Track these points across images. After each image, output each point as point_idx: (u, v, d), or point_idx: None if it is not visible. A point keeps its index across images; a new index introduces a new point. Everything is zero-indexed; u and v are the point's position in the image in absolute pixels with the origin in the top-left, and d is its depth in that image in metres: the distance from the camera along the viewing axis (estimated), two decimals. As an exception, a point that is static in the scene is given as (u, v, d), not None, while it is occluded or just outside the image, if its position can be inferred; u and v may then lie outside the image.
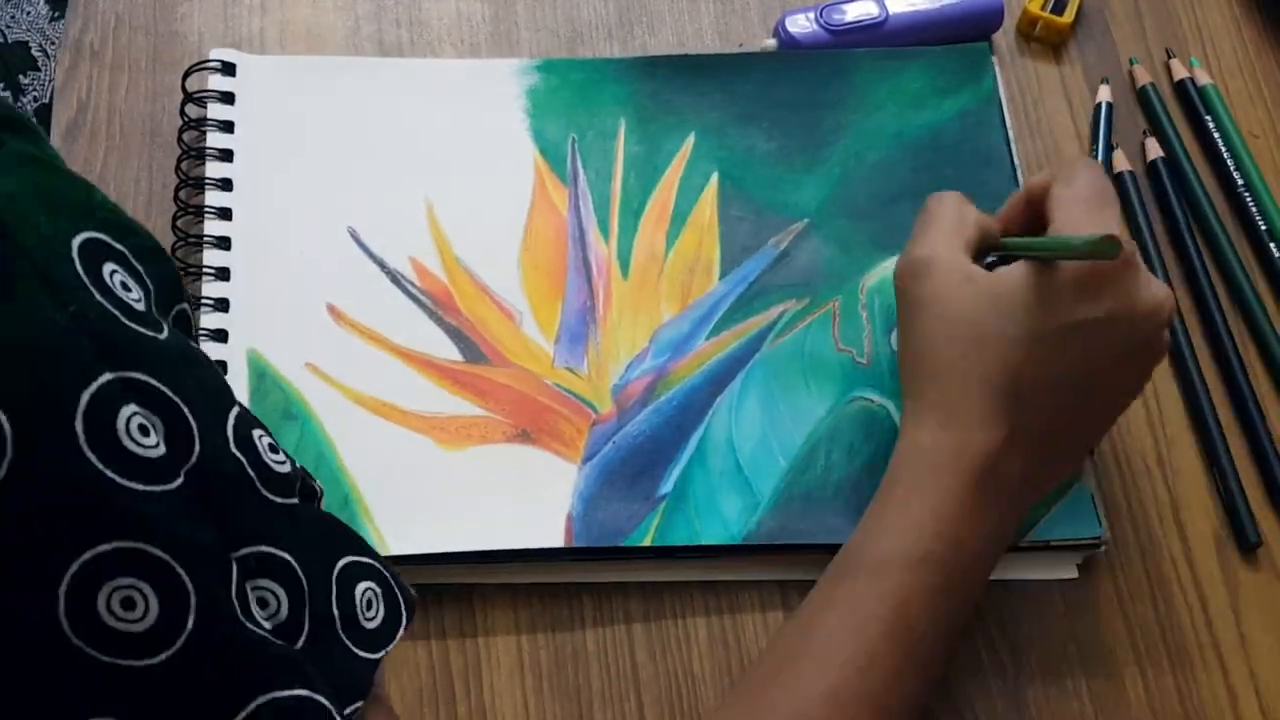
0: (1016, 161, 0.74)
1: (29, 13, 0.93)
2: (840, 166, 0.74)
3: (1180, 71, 0.80)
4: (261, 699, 0.39)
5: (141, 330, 0.39)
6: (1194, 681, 0.65)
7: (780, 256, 0.72)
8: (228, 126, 0.72)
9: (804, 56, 0.77)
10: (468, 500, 0.64)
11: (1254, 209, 0.76)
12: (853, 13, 0.78)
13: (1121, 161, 0.77)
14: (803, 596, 0.64)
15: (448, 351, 0.68)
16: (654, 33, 0.79)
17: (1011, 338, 0.59)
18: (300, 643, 0.42)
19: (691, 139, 0.74)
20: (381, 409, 0.66)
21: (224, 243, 0.69)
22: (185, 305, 0.44)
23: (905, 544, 0.58)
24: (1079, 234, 0.59)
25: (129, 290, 0.40)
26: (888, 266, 0.71)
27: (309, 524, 0.44)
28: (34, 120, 0.43)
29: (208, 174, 0.70)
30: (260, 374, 0.66)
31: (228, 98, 0.72)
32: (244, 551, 0.40)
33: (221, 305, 0.67)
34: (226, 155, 0.71)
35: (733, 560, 0.65)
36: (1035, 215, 0.63)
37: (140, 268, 0.41)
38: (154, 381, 0.38)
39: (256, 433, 0.43)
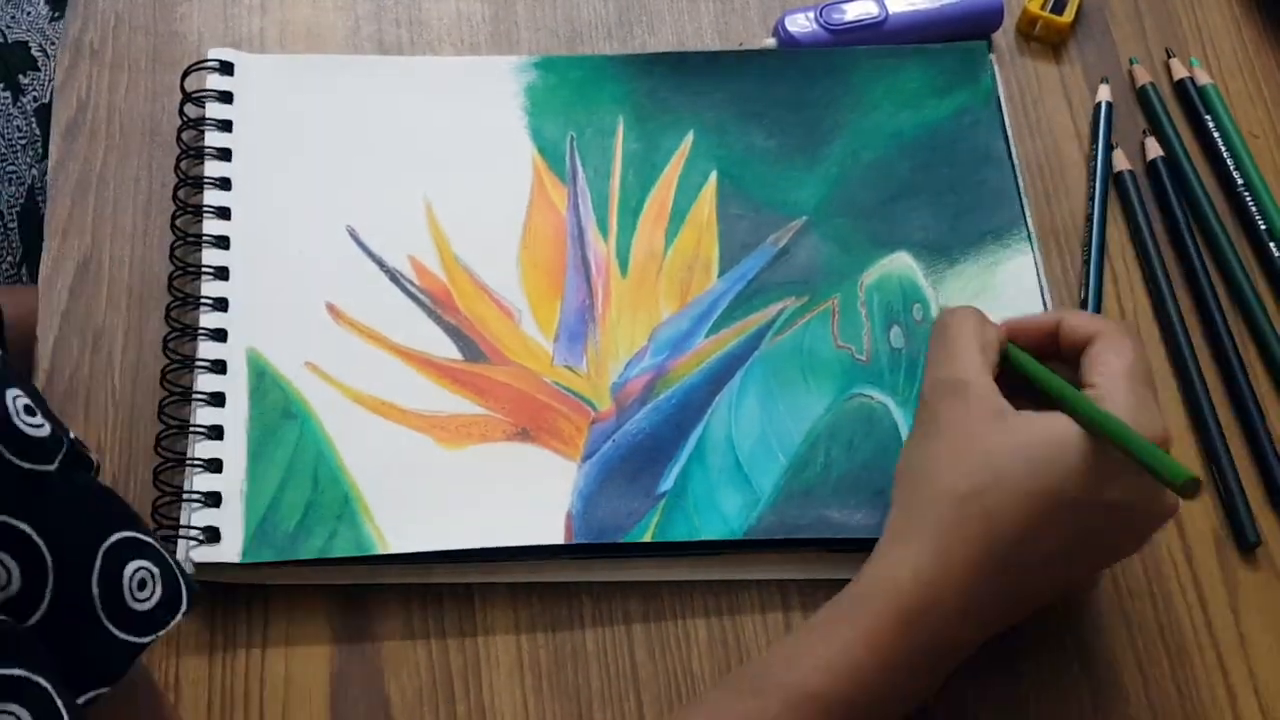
0: (1015, 161, 0.74)
1: (29, 13, 0.93)
2: (839, 165, 0.74)
3: (1180, 71, 0.80)
4: None
5: None
6: (1194, 681, 0.65)
7: (779, 254, 0.72)
8: (226, 126, 0.72)
9: (803, 55, 0.77)
10: (467, 499, 0.64)
11: (1254, 209, 0.76)
12: (852, 12, 0.78)
13: (1121, 161, 0.77)
14: (802, 596, 0.64)
15: (447, 350, 0.68)
16: (654, 32, 0.79)
17: (1026, 492, 0.56)
18: (35, 619, 0.40)
19: (690, 137, 0.74)
20: (381, 408, 0.66)
21: (223, 242, 0.69)
22: None
23: (813, 675, 0.56)
24: (1116, 408, 0.56)
25: None
26: (886, 264, 0.71)
27: (69, 494, 0.42)
28: None
29: (206, 173, 0.70)
30: (259, 373, 0.66)
31: (226, 97, 0.72)
32: None
33: (220, 304, 0.67)
34: (225, 154, 0.71)
35: (733, 557, 0.65)
36: (1052, 352, 0.62)
37: None
38: None
39: (11, 392, 0.40)
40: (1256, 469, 0.69)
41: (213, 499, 0.63)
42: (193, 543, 0.62)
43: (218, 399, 0.65)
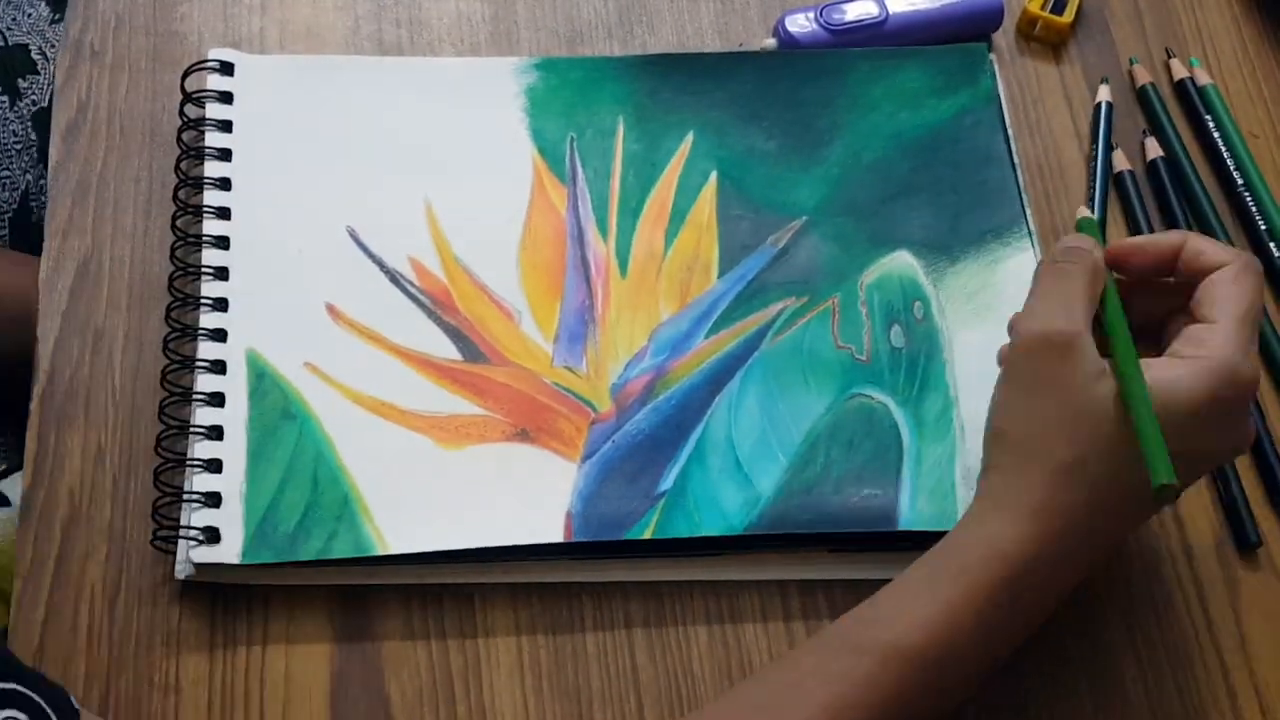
0: (1016, 161, 0.74)
1: (30, 15, 0.93)
2: (839, 166, 0.74)
3: (1180, 71, 0.80)
4: None
5: None
6: (1194, 681, 0.65)
7: (779, 254, 0.72)
8: (226, 126, 0.72)
9: (803, 55, 0.77)
10: (467, 499, 0.64)
11: (1254, 209, 0.76)
12: (853, 12, 0.78)
13: (1121, 161, 0.77)
14: (802, 597, 0.64)
15: (447, 351, 0.68)
16: (654, 32, 0.79)
17: (1124, 454, 0.55)
18: None
19: (690, 138, 0.74)
20: (380, 408, 0.66)
21: (223, 242, 0.69)
22: None
23: (912, 632, 0.56)
24: (1226, 351, 0.56)
25: None
26: (886, 262, 0.71)
27: None
28: None
29: (207, 173, 0.70)
30: (259, 373, 0.66)
31: (226, 97, 0.72)
32: None
33: (220, 305, 0.67)
34: (225, 155, 0.71)
35: (733, 558, 0.65)
36: (1166, 273, 0.61)
37: None
38: None
39: None
40: (1256, 469, 0.69)
41: (212, 499, 0.63)
42: (193, 543, 0.62)
43: (217, 399, 0.65)
